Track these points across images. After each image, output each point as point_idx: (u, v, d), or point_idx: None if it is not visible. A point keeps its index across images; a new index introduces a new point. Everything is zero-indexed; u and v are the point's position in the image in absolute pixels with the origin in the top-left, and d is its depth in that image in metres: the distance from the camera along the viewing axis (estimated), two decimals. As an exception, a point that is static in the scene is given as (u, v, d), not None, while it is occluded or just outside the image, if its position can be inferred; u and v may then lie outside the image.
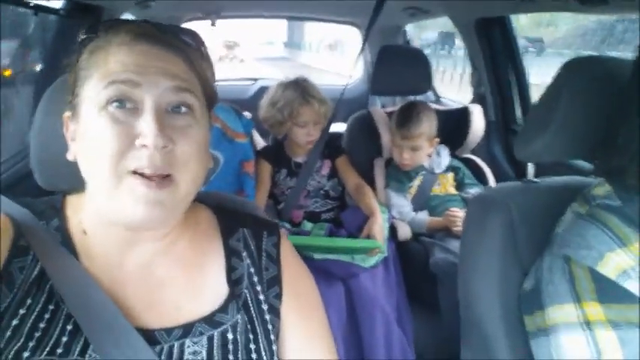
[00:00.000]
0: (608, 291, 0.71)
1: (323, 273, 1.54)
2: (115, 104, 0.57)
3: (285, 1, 2.77)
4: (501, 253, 0.93)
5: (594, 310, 0.72)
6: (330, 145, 1.99)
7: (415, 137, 1.90)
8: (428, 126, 1.92)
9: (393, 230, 1.84)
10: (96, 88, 0.58)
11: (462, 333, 1.03)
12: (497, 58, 2.16)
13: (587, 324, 0.72)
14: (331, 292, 1.51)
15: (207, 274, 0.70)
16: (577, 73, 0.94)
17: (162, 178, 0.57)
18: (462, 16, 2.15)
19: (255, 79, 3.72)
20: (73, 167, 0.62)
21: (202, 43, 0.68)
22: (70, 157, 0.64)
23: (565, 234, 0.81)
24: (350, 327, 1.51)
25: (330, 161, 1.98)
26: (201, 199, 0.76)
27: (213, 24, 3.21)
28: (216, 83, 0.71)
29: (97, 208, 0.62)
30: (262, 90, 2.12)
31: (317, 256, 1.58)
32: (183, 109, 0.61)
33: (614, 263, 0.72)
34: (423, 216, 1.90)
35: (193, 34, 0.67)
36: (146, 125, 0.56)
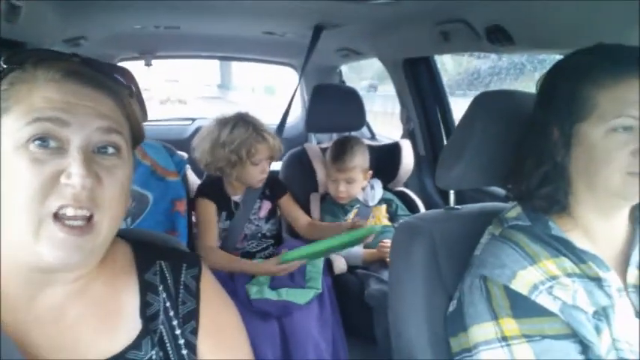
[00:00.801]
0: (522, 306, 0.75)
1: (258, 311, 1.51)
2: (37, 142, 0.54)
3: (221, 42, 2.81)
4: (426, 278, 0.95)
5: (510, 325, 0.75)
6: (272, 185, 1.93)
7: (350, 170, 1.94)
8: (361, 158, 1.97)
9: (328, 264, 1.84)
10: (16, 124, 0.55)
11: (394, 362, 1.03)
12: (424, 95, 2.28)
13: (505, 339, 0.75)
14: (266, 330, 1.49)
15: (121, 311, 0.67)
16: (487, 105, 1.01)
17: (84, 225, 0.55)
18: (390, 56, 2.26)
19: (193, 119, 3.69)
20: None
21: (133, 81, 0.67)
22: None
23: (482, 255, 0.85)
24: None
25: (270, 202, 1.94)
26: (121, 235, 0.73)
27: (148, 64, 3.19)
28: (154, 124, 0.70)
29: (6, 248, 0.58)
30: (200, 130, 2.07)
31: (253, 295, 1.56)
32: (111, 149, 0.59)
33: (525, 280, 0.76)
34: (358, 248, 1.92)
35: (124, 71, 0.66)
36: (74, 165, 0.54)
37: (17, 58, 0.60)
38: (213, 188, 1.86)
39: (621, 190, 0.76)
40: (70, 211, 0.54)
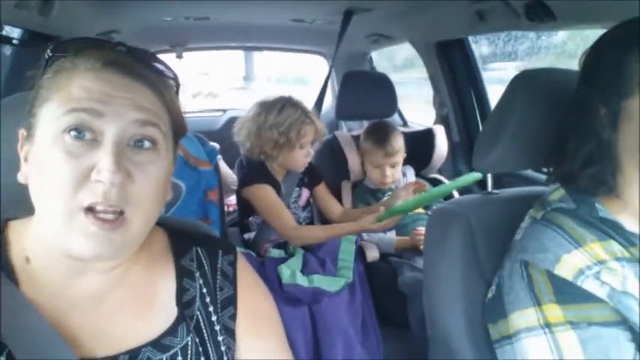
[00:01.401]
0: (566, 292, 0.71)
1: (289, 297, 1.51)
2: (73, 133, 0.54)
3: (250, 31, 2.80)
4: (463, 265, 0.92)
5: (553, 311, 0.71)
6: (310, 173, 1.92)
7: (396, 153, 1.92)
8: (402, 141, 1.95)
9: (361, 252, 1.82)
10: (55, 113, 0.55)
11: (430, 350, 1.01)
12: (458, 79, 2.22)
13: (548, 326, 0.71)
14: (297, 315, 1.49)
15: (158, 297, 0.67)
16: (527, 85, 0.96)
17: (115, 218, 0.55)
18: (422, 40, 2.21)
19: (225, 110, 3.71)
20: (21, 193, 0.59)
21: (175, 74, 0.66)
22: (21, 178, 0.60)
23: (523, 240, 0.82)
24: (315, 348, 1.48)
25: (309, 190, 1.93)
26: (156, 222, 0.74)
27: (179, 56, 3.23)
28: (185, 115, 0.69)
29: (44, 237, 0.59)
30: (232, 120, 2.06)
31: (285, 280, 1.56)
32: (147, 143, 0.58)
33: (570, 264, 0.72)
34: (391, 236, 1.89)
35: (165, 64, 0.65)
36: (104, 160, 0.54)
37: (62, 47, 0.60)
38: (263, 173, 1.83)
39: None
40: (100, 207, 0.54)
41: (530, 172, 1.73)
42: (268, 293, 0.77)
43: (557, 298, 0.71)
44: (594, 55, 0.80)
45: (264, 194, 1.76)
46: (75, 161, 0.54)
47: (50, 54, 0.60)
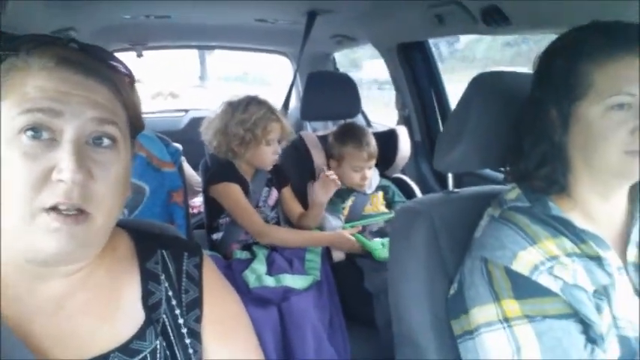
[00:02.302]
0: (523, 286, 0.75)
1: (258, 299, 1.51)
2: (29, 133, 0.53)
3: (212, 31, 2.78)
4: (427, 262, 0.95)
5: (511, 306, 0.75)
6: (277, 173, 1.93)
7: (376, 153, 1.93)
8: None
9: (327, 252, 1.84)
10: (9, 113, 0.54)
11: (396, 347, 1.03)
12: (419, 80, 2.27)
13: (506, 320, 0.75)
14: (266, 316, 1.49)
15: (123, 300, 0.66)
16: (485, 87, 1.00)
17: (78, 215, 0.54)
18: (384, 42, 2.25)
19: (187, 110, 3.66)
20: None
21: (129, 70, 0.65)
22: None
23: (482, 237, 0.85)
24: (285, 346, 1.49)
25: (277, 190, 1.94)
26: (119, 225, 0.72)
27: (139, 55, 3.16)
28: (147, 116, 0.68)
29: (3, 240, 0.57)
30: (194, 120, 2.03)
31: (252, 284, 1.55)
32: (106, 141, 0.58)
33: (526, 260, 0.76)
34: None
35: (119, 60, 0.64)
36: (65, 159, 0.53)
37: (13, 45, 0.58)
38: (231, 171, 1.84)
39: (619, 169, 0.76)
40: (62, 207, 0.53)
41: (488, 172, 1.80)
42: (235, 295, 0.77)
43: (515, 294, 0.75)
44: (547, 58, 0.84)
45: (231, 192, 1.77)
46: (33, 162, 0.53)
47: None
